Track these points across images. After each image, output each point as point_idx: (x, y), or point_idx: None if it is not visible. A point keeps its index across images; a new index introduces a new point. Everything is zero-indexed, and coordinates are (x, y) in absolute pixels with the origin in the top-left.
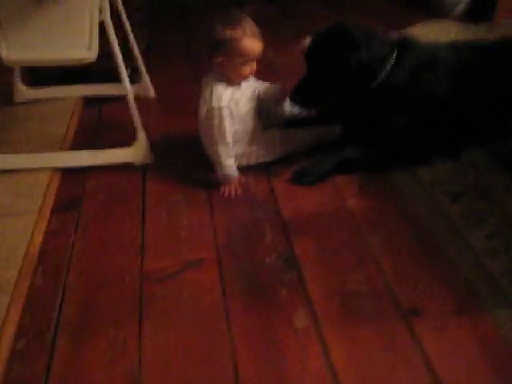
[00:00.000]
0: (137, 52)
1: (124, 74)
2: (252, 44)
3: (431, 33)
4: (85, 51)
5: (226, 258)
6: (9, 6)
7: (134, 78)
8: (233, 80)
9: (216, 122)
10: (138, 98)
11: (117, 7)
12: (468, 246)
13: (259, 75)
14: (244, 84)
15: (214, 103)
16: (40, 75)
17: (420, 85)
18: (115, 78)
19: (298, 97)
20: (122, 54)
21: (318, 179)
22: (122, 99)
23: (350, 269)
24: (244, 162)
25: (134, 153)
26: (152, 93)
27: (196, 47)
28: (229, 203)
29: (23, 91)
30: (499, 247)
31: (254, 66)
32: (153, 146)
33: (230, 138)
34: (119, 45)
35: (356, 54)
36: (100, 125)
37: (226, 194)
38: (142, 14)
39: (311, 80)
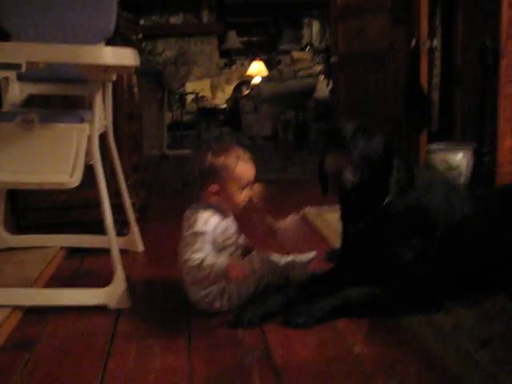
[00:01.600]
0: (128, 205)
1: (109, 226)
2: (246, 168)
3: None
4: (67, 177)
5: None
6: None
7: (123, 231)
8: (227, 209)
9: (196, 246)
10: (125, 251)
11: (112, 162)
12: None
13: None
14: (230, 219)
15: (199, 227)
16: (25, 222)
17: (428, 209)
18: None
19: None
20: (114, 207)
21: (314, 321)
22: (107, 252)
23: None
24: (225, 301)
25: (108, 294)
26: (140, 247)
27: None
28: (211, 348)
29: (5, 238)
30: None
31: (248, 192)
32: (132, 293)
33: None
34: (112, 197)
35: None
36: (79, 274)
37: (240, 276)
38: (138, 173)
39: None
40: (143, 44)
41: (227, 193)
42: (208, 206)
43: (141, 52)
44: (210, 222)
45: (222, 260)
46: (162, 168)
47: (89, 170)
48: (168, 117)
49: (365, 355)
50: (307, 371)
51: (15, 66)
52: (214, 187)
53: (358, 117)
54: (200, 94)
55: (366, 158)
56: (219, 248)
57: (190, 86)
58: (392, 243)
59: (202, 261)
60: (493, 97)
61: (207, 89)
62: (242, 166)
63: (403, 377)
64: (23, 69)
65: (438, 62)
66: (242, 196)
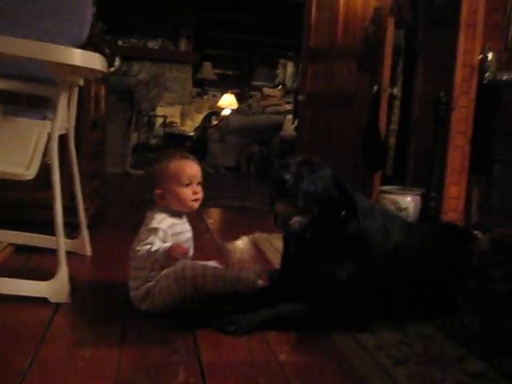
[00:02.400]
0: (81, 210)
1: (59, 223)
2: (181, 164)
3: None
4: (23, 169)
5: None
6: None
7: (74, 234)
8: (179, 210)
9: (148, 240)
10: (73, 254)
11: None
12: None
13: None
14: (187, 225)
15: (154, 224)
16: None
17: (366, 236)
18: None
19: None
20: (67, 210)
21: (244, 331)
22: (55, 253)
23: None
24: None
25: (49, 288)
26: (89, 251)
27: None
28: (142, 344)
29: None
30: None
31: (196, 189)
32: (74, 291)
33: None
34: (66, 200)
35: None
36: (24, 269)
37: (178, 255)
38: (95, 181)
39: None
40: (118, 63)
41: (170, 193)
42: (164, 209)
43: (115, 71)
44: (164, 221)
45: (167, 244)
46: (123, 185)
47: (46, 171)
48: (134, 138)
49: (288, 362)
50: (231, 372)
51: None
52: (158, 192)
53: (319, 154)
54: (169, 120)
55: (312, 197)
56: None
57: (160, 111)
58: (329, 264)
59: (150, 248)
60: (443, 147)
61: (177, 115)
62: (176, 164)
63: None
64: None
65: (396, 110)
66: (188, 192)
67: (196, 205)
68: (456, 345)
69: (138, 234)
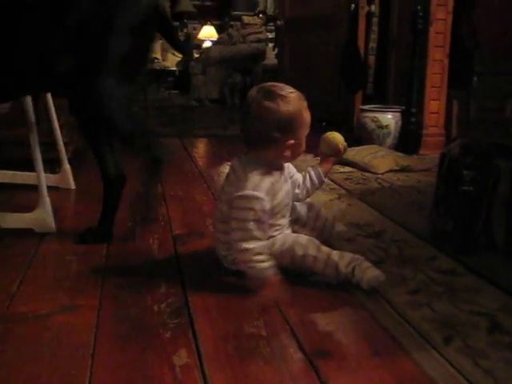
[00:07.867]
0: (60, 144)
1: (38, 162)
2: (306, 110)
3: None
4: None
5: (108, 305)
6: None
7: (56, 169)
8: (277, 163)
9: (251, 214)
10: (56, 188)
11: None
12: (387, 300)
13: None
14: (284, 176)
15: (249, 191)
16: None
17: None
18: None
19: None
20: (47, 145)
21: (105, 238)
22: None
23: (250, 316)
24: None
25: (33, 218)
26: (72, 184)
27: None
28: (125, 264)
29: None
30: (421, 301)
31: None
32: (59, 222)
33: (264, 234)
34: (45, 135)
35: None
36: (8, 205)
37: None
38: (73, 117)
39: None
40: None
41: (301, 145)
42: (260, 163)
43: None
44: (263, 184)
45: (265, 273)
46: None
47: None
48: None
49: None
50: (209, 281)
51: None
52: (291, 143)
53: (301, 79)
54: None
55: None
56: (272, 214)
57: None
58: None
59: (254, 252)
60: (421, 62)
61: (158, 51)
62: (305, 110)
63: (295, 289)
64: None
65: (375, 28)
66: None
67: None
68: (429, 246)
69: (223, 186)
